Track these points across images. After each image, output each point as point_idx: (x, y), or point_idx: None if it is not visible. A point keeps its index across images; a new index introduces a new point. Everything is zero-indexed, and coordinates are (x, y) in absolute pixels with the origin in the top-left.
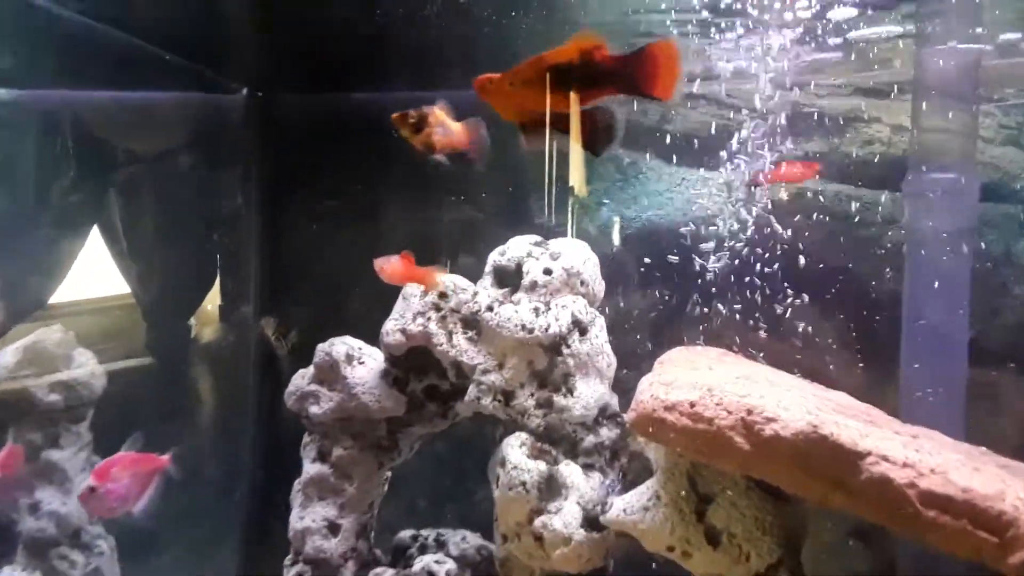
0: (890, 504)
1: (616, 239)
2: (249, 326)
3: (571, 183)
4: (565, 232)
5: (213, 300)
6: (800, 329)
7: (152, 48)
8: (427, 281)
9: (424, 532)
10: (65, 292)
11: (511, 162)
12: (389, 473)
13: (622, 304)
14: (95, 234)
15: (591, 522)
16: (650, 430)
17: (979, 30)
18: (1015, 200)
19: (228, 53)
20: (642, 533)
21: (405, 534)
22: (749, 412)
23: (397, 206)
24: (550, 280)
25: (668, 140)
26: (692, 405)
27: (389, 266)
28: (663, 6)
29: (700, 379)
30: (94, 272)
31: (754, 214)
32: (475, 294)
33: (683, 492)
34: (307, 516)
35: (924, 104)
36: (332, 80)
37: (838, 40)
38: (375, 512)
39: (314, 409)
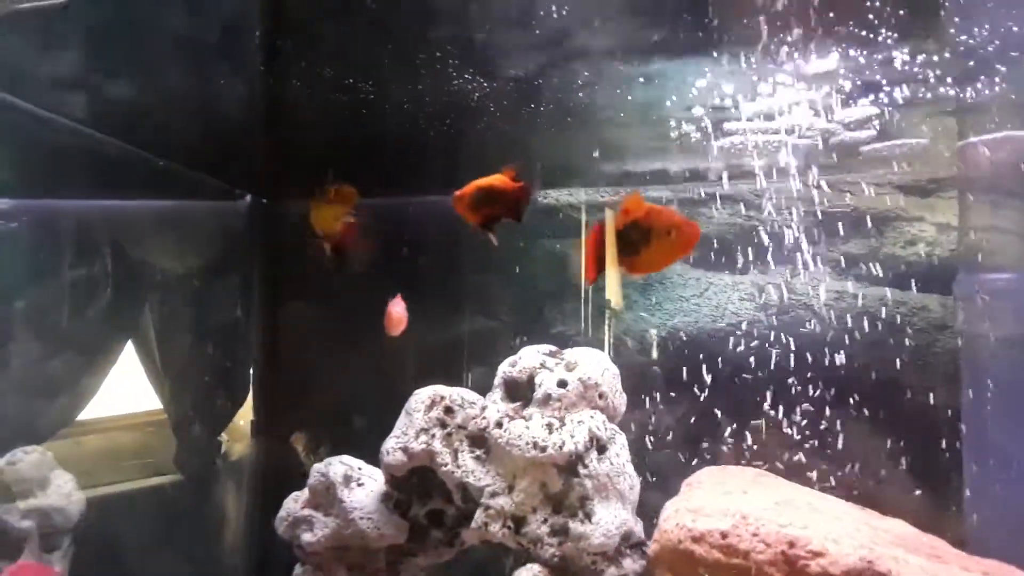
0: None
1: (641, 348)
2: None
3: (608, 296)
4: (584, 341)
5: (245, 416)
6: (845, 447)
7: (155, 158)
8: None
9: None
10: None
11: (525, 271)
12: None
13: (648, 419)
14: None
15: None
16: (676, 564)
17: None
18: None
19: (232, 160)
20: None
21: None
22: (791, 545)
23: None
24: (565, 393)
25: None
26: (724, 536)
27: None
28: (688, 103)
29: (733, 505)
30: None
31: (790, 321)
32: (483, 408)
33: None
34: None
35: (971, 199)
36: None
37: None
38: None
39: (307, 536)
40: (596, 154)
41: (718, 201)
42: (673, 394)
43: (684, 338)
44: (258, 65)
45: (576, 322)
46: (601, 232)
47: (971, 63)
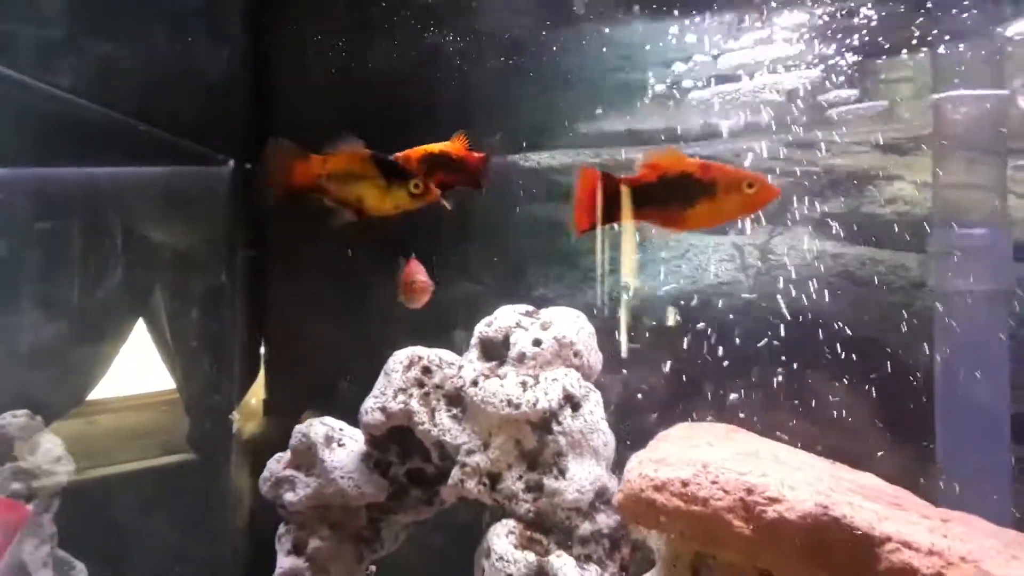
0: None
1: (621, 309)
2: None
3: (624, 278)
4: (566, 304)
5: (257, 394)
6: (822, 404)
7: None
8: None
9: None
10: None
11: (507, 235)
12: (373, 568)
13: (625, 378)
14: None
15: None
16: (638, 513)
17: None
18: None
19: (214, 124)
20: None
21: None
22: (749, 491)
23: (392, 280)
24: (540, 351)
25: None
26: (684, 484)
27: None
28: (666, 59)
29: (696, 456)
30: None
31: (770, 281)
32: (460, 368)
33: None
34: None
35: (945, 156)
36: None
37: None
38: None
39: (289, 496)
40: (598, 111)
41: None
42: (655, 354)
43: (666, 299)
44: (241, 27)
45: (559, 285)
46: (593, 180)
47: (946, 20)
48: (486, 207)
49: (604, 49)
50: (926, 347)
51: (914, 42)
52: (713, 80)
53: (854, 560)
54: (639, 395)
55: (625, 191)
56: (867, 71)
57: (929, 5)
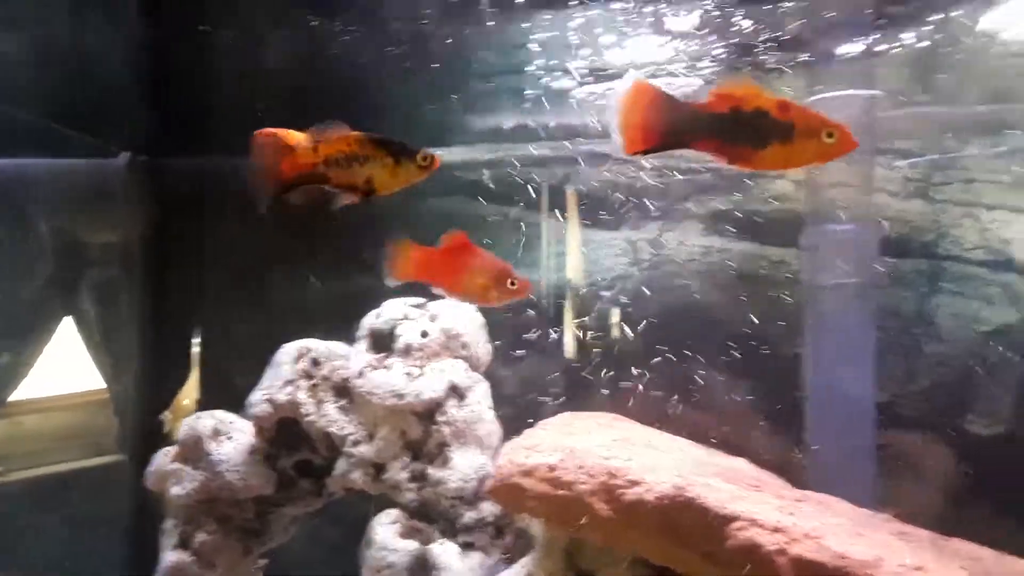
0: (759, 573)
1: (518, 304)
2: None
3: (568, 274)
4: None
5: (190, 394)
6: (708, 394)
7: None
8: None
9: None
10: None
11: (409, 229)
12: (264, 560)
13: (522, 368)
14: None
15: None
16: (508, 498)
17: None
18: (924, 255)
19: (108, 115)
20: None
21: None
22: (612, 475)
23: (291, 275)
24: (426, 343)
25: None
26: (551, 469)
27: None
28: (563, 56)
29: (567, 443)
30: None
31: (660, 276)
32: (348, 360)
33: (559, 570)
34: None
35: None
36: (220, 142)
37: None
38: None
39: (175, 490)
40: (496, 107)
41: (591, 158)
42: (550, 346)
43: (562, 291)
44: (136, 14)
45: None
46: (645, 95)
47: (821, 27)
48: (387, 201)
49: (503, 46)
50: (800, 338)
51: (792, 47)
52: (607, 77)
53: (706, 537)
54: (536, 385)
55: (683, 115)
56: (750, 74)
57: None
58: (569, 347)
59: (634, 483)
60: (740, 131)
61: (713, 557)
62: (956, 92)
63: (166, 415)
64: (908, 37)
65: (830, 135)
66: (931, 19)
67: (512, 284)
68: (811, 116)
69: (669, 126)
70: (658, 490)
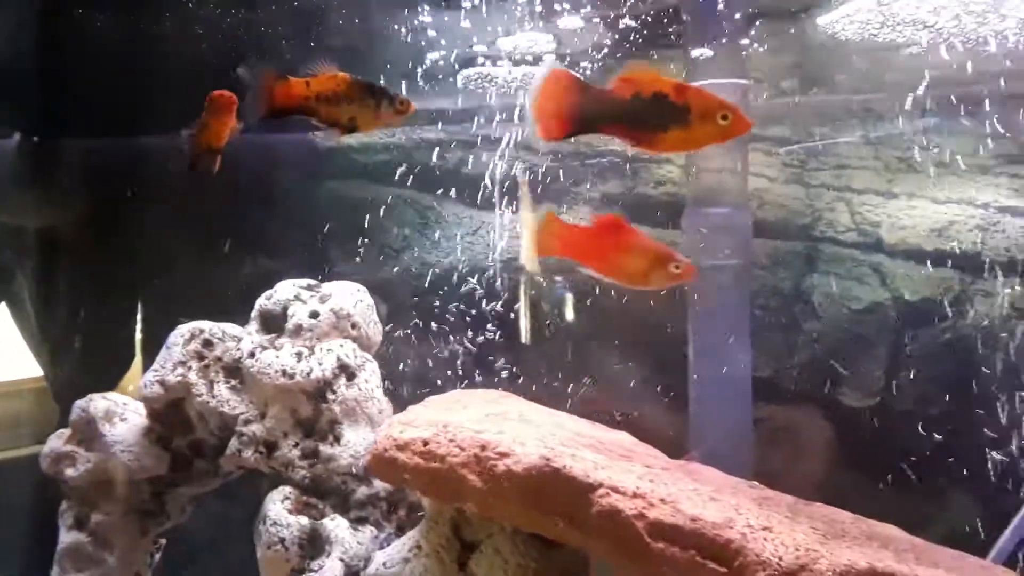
0: (620, 537)
1: (413, 284)
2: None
3: (524, 262)
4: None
5: (134, 380)
6: (601, 372)
7: None
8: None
9: None
10: None
11: (307, 212)
12: (163, 540)
13: (420, 350)
14: None
15: None
16: (384, 471)
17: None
18: (801, 237)
19: None
20: None
21: None
22: (483, 448)
23: (188, 258)
24: (316, 324)
25: (466, 184)
26: (425, 443)
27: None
28: (464, 41)
29: (443, 418)
30: None
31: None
32: (239, 340)
33: (445, 540)
34: None
35: None
36: (119, 124)
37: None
38: None
39: (70, 472)
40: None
41: (489, 142)
42: (446, 327)
43: (458, 274)
44: None
45: (358, 261)
46: (562, 82)
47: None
48: (286, 184)
49: (404, 29)
50: (684, 317)
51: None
52: (508, 63)
53: (571, 505)
54: (433, 365)
55: (594, 102)
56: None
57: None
58: (525, 328)
59: (503, 455)
60: (642, 115)
61: (579, 523)
62: (829, 82)
63: None
64: (782, 29)
65: (724, 117)
66: (801, 12)
67: (676, 268)
68: (707, 98)
69: (580, 112)
70: (526, 461)
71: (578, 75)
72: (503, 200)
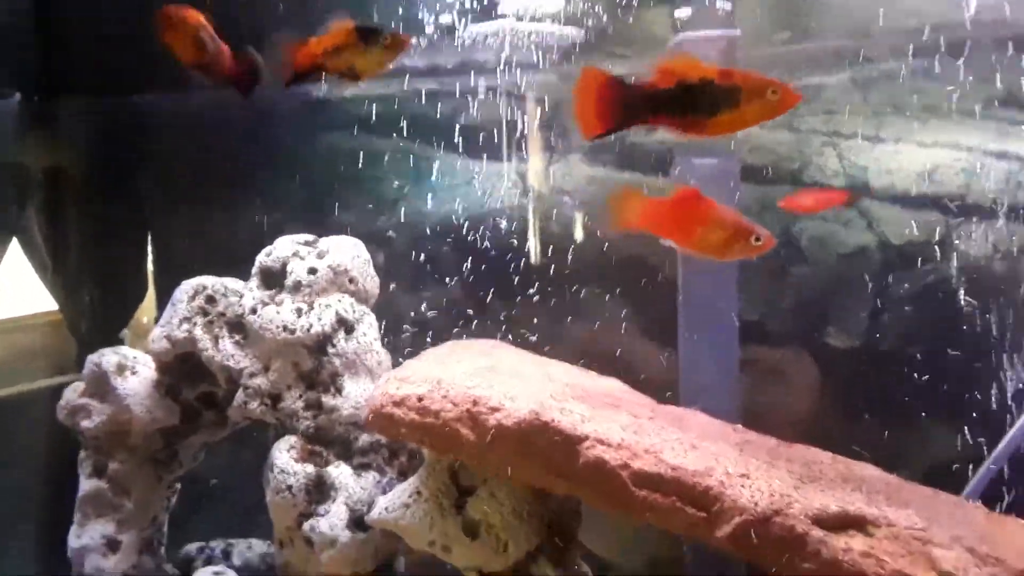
0: (606, 486)
1: (412, 235)
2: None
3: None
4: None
5: (149, 311)
6: (593, 318)
7: None
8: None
9: (213, 543)
10: None
11: (307, 163)
12: (178, 485)
13: (415, 300)
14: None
15: (358, 523)
16: (382, 426)
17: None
18: (790, 182)
19: None
20: (403, 530)
21: (192, 546)
22: (475, 403)
23: (192, 214)
24: (315, 279)
25: (459, 133)
26: (420, 399)
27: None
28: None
29: (437, 372)
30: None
31: (549, 206)
32: (241, 296)
33: (443, 486)
34: (84, 535)
35: None
36: (119, 83)
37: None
38: (162, 526)
39: (85, 423)
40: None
41: (480, 92)
42: (448, 275)
43: (455, 223)
44: None
45: (355, 213)
46: (595, 80)
47: None
48: (284, 138)
49: None
50: (673, 264)
51: None
52: (496, 15)
53: (560, 456)
54: (430, 314)
55: (634, 96)
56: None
57: None
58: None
59: (495, 409)
60: (690, 103)
61: (567, 474)
62: (814, 28)
63: (125, 333)
64: None
65: (774, 92)
66: None
67: (757, 240)
68: (753, 78)
69: (621, 108)
70: (516, 415)
71: (610, 73)
72: (497, 149)
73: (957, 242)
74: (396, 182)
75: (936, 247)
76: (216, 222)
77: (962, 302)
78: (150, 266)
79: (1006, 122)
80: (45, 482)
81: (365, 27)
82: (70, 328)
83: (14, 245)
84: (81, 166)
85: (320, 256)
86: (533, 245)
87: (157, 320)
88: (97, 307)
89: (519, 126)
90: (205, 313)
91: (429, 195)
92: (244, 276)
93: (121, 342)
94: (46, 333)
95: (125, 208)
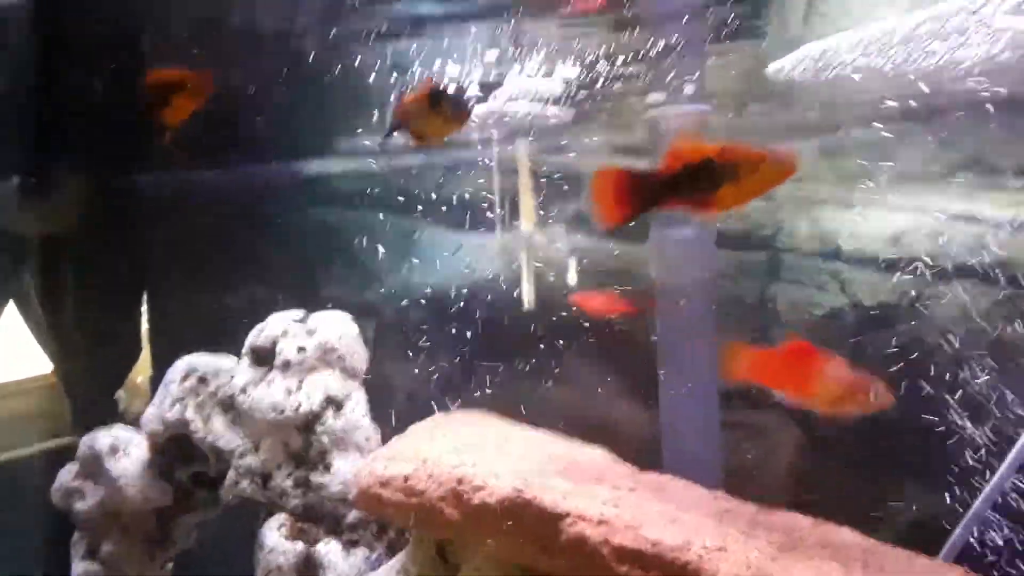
0: (588, 561)
1: (399, 305)
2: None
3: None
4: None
5: (143, 371)
6: (579, 385)
7: None
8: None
9: None
10: None
11: (296, 238)
12: (171, 564)
13: (401, 371)
14: None
15: None
16: (369, 506)
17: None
18: (763, 247)
19: None
20: None
21: None
22: (459, 482)
23: (185, 289)
24: (304, 357)
25: (445, 206)
26: (406, 479)
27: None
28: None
29: (422, 451)
30: None
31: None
32: (232, 376)
33: (430, 562)
34: None
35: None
36: (114, 161)
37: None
38: None
39: (79, 505)
40: (375, 120)
41: (465, 166)
42: (432, 345)
43: (442, 293)
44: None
45: (345, 285)
46: (609, 180)
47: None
48: (273, 213)
49: (382, 59)
50: (655, 329)
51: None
52: (483, 91)
53: (542, 533)
54: (420, 385)
55: (646, 185)
56: (602, 95)
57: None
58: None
59: (479, 488)
60: (695, 183)
61: (550, 550)
62: (786, 104)
63: (120, 394)
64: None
65: (770, 163)
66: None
67: (875, 395)
68: (749, 154)
69: (635, 198)
70: (500, 493)
71: (623, 169)
72: (481, 221)
73: (927, 303)
74: (384, 254)
75: (907, 309)
76: (209, 287)
77: (934, 362)
78: (145, 326)
79: (967, 186)
80: (42, 547)
81: (439, 92)
82: (66, 389)
83: (11, 308)
84: (78, 235)
85: (310, 333)
86: (518, 312)
87: (153, 381)
88: (92, 368)
89: (505, 198)
90: (197, 394)
91: (417, 266)
92: (236, 331)
93: (116, 403)
94: (41, 396)
95: (120, 273)
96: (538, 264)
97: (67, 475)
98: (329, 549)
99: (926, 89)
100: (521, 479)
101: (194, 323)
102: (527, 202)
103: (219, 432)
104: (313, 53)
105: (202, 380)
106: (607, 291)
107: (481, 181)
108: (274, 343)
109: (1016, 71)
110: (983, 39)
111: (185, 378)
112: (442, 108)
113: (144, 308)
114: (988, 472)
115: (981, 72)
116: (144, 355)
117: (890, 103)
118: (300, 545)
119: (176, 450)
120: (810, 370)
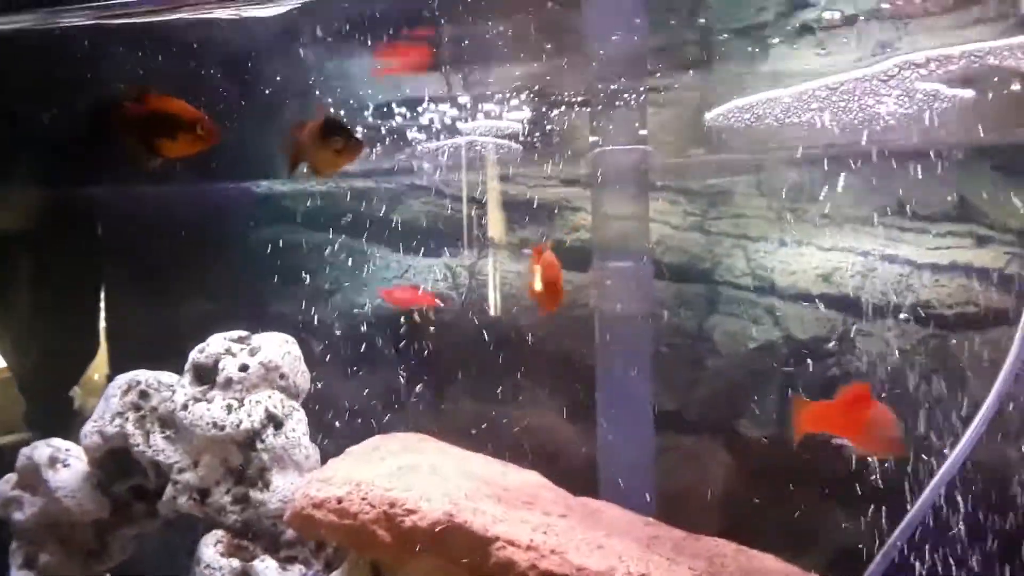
0: None
1: (346, 326)
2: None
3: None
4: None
5: (100, 369)
6: (520, 407)
7: None
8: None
9: None
10: None
11: (243, 255)
12: None
13: (348, 391)
14: None
15: None
16: (302, 527)
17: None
18: (703, 280)
19: None
20: None
21: None
22: (391, 505)
23: (129, 300)
24: (246, 376)
25: (394, 229)
26: (339, 501)
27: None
28: (404, 99)
29: (357, 473)
30: None
31: (476, 298)
32: (173, 392)
33: None
34: None
35: (603, 196)
36: (70, 172)
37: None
38: None
39: (17, 516)
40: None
41: (412, 190)
42: (377, 366)
43: (387, 315)
44: None
45: (293, 304)
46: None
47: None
48: (223, 231)
49: (342, 81)
50: (594, 357)
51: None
52: (443, 120)
53: (472, 557)
54: (360, 406)
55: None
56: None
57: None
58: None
59: (411, 511)
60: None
61: (479, 573)
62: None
63: (76, 391)
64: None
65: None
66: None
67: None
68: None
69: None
70: (431, 517)
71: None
72: (429, 245)
73: (855, 337)
74: (332, 274)
75: (836, 343)
76: (159, 299)
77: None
78: (102, 323)
79: (895, 228)
80: None
81: (332, 124)
82: (20, 386)
83: None
84: (33, 237)
85: (252, 353)
86: (461, 336)
87: (108, 377)
88: (48, 365)
89: (451, 224)
90: (138, 408)
91: (363, 287)
92: (182, 343)
93: (71, 400)
94: None
95: (76, 276)
96: (480, 287)
97: (5, 485)
98: (266, 566)
99: (843, 140)
100: (453, 503)
101: (142, 332)
102: (470, 228)
103: (159, 447)
104: (266, 74)
105: (143, 395)
106: (409, 286)
107: (426, 205)
108: (216, 361)
109: (927, 127)
110: (896, 100)
111: (126, 392)
112: (334, 140)
113: (102, 307)
114: (910, 499)
115: (897, 126)
116: (102, 352)
117: (813, 150)
118: (236, 562)
119: (115, 463)
120: (867, 417)
